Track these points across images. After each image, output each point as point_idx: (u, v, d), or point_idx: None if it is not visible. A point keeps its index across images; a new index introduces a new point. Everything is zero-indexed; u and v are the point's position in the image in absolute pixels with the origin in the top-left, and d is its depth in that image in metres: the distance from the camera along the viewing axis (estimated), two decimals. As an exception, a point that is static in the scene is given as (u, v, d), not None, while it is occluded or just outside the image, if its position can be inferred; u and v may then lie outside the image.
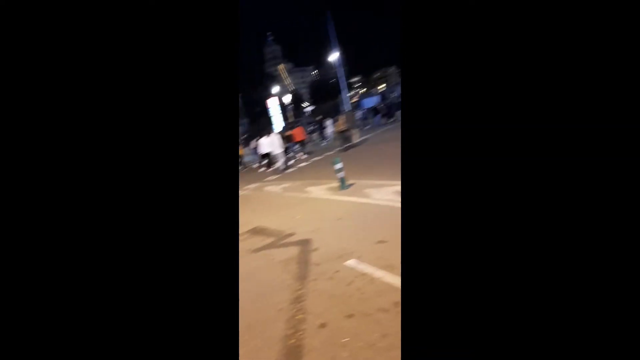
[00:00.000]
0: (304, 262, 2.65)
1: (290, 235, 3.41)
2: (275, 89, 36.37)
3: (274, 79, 50.31)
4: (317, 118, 17.15)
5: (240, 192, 7.05)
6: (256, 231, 3.87)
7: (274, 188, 6.58)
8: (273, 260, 2.85)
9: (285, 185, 6.57)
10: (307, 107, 41.89)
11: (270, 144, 9.73)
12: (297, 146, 10.81)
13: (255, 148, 11.24)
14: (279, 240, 3.37)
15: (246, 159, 13.49)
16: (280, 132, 11.69)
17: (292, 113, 30.64)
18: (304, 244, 3.05)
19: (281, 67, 58.51)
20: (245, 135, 21.17)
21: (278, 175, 8.21)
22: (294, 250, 2.94)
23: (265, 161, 10.21)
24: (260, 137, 10.69)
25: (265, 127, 29.16)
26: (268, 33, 72.24)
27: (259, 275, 2.64)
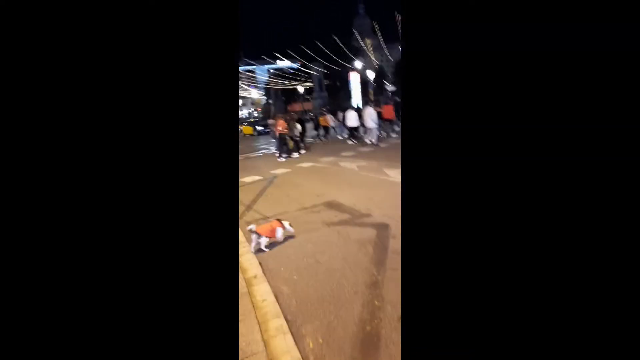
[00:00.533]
0: (381, 247, 2.53)
1: (366, 215, 3.30)
2: (359, 64, 35.55)
3: (359, 53, 49.08)
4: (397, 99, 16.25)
5: (316, 165, 7.12)
6: (330, 205, 3.85)
7: (350, 165, 6.49)
8: (348, 238, 2.79)
9: (362, 163, 6.44)
10: (390, 87, 40.32)
11: (356, 118, 9.56)
12: (388, 124, 10.44)
13: (343, 120, 11.08)
14: (354, 218, 3.29)
15: (331, 131, 13.49)
16: (358, 109, 11.33)
17: (372, 91, 29.78)
18: (382, 228, 2.92)
19: (367, 42, 56.63)
20: (327, 108, 21.18)
21: (354, 152, 8.09)
22: (370, 232, 2.84)
23: (348, 135, 10.13)
24: (347, 109, 10.61)
25: (344, 101, 28.92)
26: (360, 5, 69.90)
27: (333, 250, 2.61)
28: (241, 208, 4.16)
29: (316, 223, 3.27)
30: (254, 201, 4.44)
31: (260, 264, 2.50)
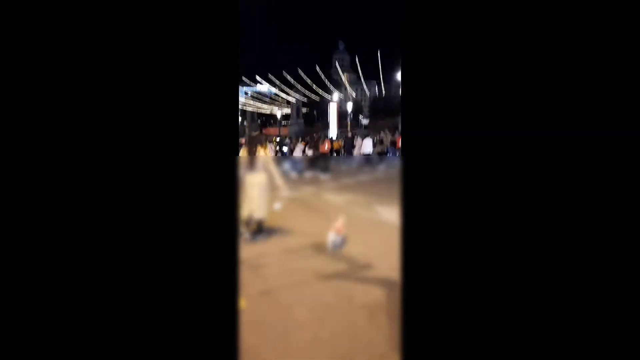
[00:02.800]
0: (397, 319, 1.95)
1: (367, 267, 2.73)
2: (335, 97, 36.43)
3: (337, 86, 50.72)
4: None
5: (295, 194, 6.52)
6: (319, 249, 3.24)
7: (335, 198, 5.95)
8: (351, 301, 2.19)
9: (350, 197, 5.92)
10: (364, 120, 41.65)
11: (371, 145, 10.60)
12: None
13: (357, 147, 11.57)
14: (354, 271, 2.71)
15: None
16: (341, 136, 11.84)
17: (349, 122, 30.27)
18: (392, 287, 2.34)
19: (346, 76, 58.81)
20: (302, 136, 20.63)
21: (339, 184, 7.59)
22: (378, 293, 2.26)
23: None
24: (365, 137, 11.47)
25: (319, 130, 29.03)
26: (340, 41, 73.29)
27: (334, 318, 1.99)
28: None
29: (305, 273, 2.64)
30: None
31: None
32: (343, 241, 3.06)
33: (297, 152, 10.30)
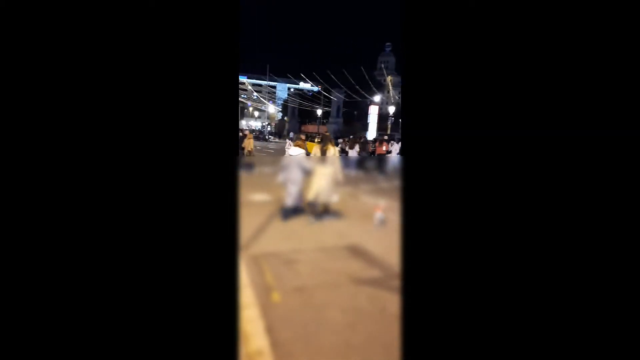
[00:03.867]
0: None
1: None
2: (378, 98, 35.93)
3: (380, 87, 50.02)
4: None
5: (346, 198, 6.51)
6: (355, 251, 3.21)
7: (371, 201, 5.86)
8: (385, 310, 2.14)
9: (385, 201, 5.81)
10: (404, 124, 40.70)
11: None
12: None
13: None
14: (388, 278, 2.64)
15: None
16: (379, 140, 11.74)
17: (389, 125, 29.73)
18: (428, 301, 2.27)
19: (390, 79, 57.81)
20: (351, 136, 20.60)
21: (375, 186, 7.48)
22: (413, 306, 2.18)
23: None
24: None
25: (359, 130, 28.80)
26: (387, 43, 72.22)
27: (366, 325, 1.95)
28: (243, 237, 3.52)
29: (339, 275, 2.62)
30: (261, 229, 3.81)
31: (268, 330, 1.84)
32: (385, 218, 3.87)
33: (353, 153, 10.59)
